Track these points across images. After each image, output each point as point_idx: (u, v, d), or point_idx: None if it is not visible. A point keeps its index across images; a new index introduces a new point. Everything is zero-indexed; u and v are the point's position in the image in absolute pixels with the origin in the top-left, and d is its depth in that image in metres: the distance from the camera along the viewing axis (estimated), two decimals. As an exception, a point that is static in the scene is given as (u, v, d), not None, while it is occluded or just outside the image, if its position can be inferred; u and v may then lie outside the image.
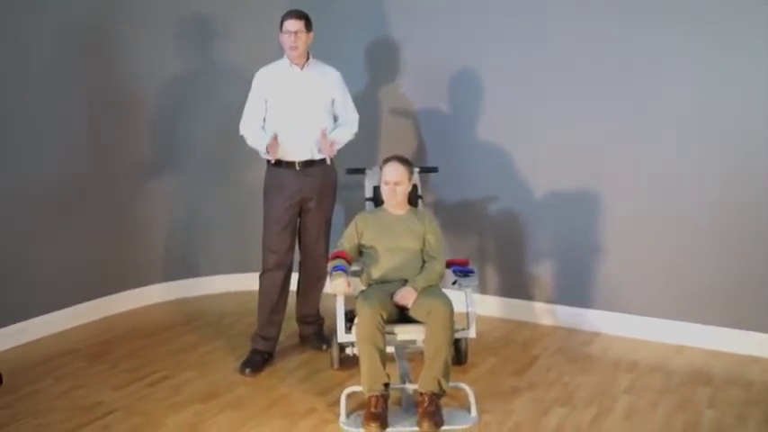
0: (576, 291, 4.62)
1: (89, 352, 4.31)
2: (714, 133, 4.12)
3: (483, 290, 4.91)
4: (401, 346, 3.85)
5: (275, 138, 3.94)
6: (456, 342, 4.01)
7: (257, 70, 4.15)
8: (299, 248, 4.30)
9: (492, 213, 4.83)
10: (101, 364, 4.13)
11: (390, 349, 3.83)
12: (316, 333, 4.40)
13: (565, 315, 4.66)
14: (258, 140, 4.07)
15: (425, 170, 4.56)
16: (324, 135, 4.00)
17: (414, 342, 3.64)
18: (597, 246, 4.51)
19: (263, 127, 4.11)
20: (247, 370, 3.99)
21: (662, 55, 4.19)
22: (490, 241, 4.89)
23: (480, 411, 3.49)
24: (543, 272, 4.72)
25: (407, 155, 4.70)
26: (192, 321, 4.86)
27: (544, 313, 4.73)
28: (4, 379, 3.84)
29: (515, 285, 4.82)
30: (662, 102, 4.23)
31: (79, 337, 4.54)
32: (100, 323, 4.80)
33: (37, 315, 4.51)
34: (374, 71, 5.09)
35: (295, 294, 4.39)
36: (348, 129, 4.21)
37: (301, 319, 4.42)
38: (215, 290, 5.40)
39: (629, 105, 4.31)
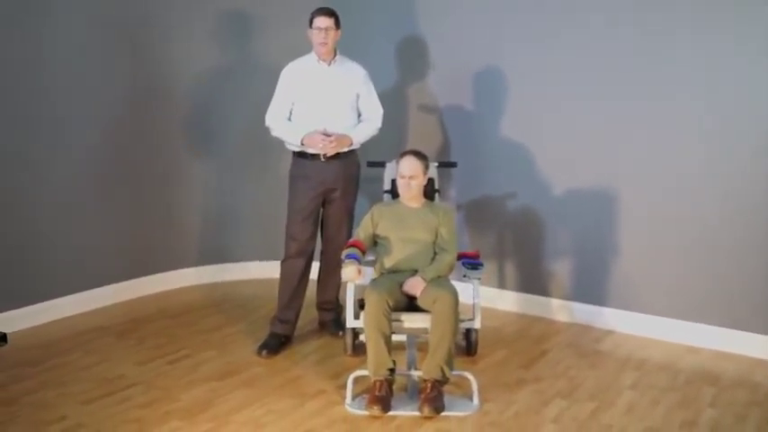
0: (591, 288, 4.68)
1: (118, 329, 4.53)
2: (732, 135, 4.15)
3: (501, 285, 5.00)
4: (413, 335, 3.96)
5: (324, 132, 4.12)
6: (467, 333, 4.13)
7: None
8: (321, 237, 4.45)
9: (512, 210, 4.91)
10: (128, 341, 4.34)
11: (402, 338, 3.97)
12: (334, 320, 4.54)
13: (580, 312, 4.72)
14: (288, 132, 4.22)
15: (444, 165, 4.67)
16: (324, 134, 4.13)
17: (425, 331, 3.74)
18: (613, 245, 4.56)
19: (290, 119, 4.26)
20: (264, 352, 4.16)
21: (678, 56, 4.23)
22: (509, 237, 4.97)
23: (483, 400, 3.60)
24: (560, 269, 4.79)
25: (431, 150, 4.85)
26: (220, 304, 5.05)
27: (560, 309, 4.80)
28: (32, 352, 4.12)
29: (533, 281, 4.90)
30: (681, 103, 4.26)
31: (110, 316, 4.77)
32: (131, 303, 5.02)
33: (71, 293, 4.74)
34: (402, 68, 5.22)
35: (316, 282, 4.55)
36: (370, 125, 4.34)
37: (320, 306, 4.58)
38: (244, 276, 5.57)
39: (647, 107, 4.35)
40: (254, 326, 4.60)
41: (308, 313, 4.56)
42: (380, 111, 4.38)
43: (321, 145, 4.11)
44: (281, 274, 4.35)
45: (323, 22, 4.13)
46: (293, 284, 4.30)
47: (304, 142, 4.16)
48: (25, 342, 4.27)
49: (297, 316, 4.36)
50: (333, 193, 4.29)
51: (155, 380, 3.82)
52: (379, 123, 4.37)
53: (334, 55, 4.25)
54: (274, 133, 4.30)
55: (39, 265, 4.56)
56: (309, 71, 4.23)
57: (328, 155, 4.17)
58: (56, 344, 4.27)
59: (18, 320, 4.43)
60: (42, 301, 4.59)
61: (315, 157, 4.21)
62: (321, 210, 4.36)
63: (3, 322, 4.22)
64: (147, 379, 3.82)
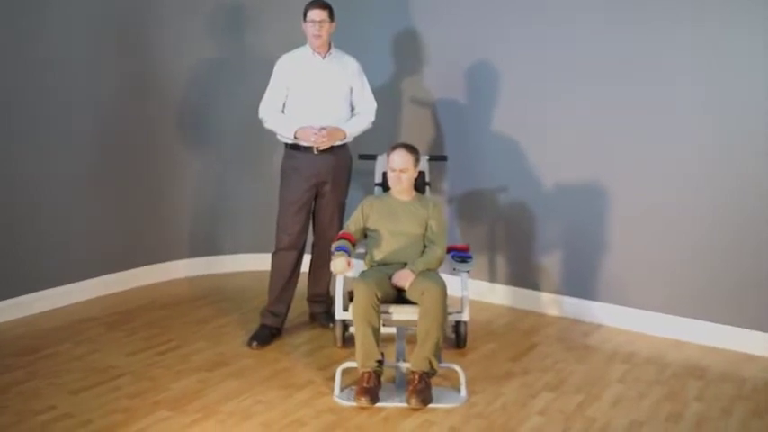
0: (581, 283, 4.70)
1: (109, 320, 4.54)
2: (721, 132, 4.16)
3: (492, 278, 5.02)
4: (403, 328, 3.98)
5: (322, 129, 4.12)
6: (456, 326, 4.15)
7: (282, 57, 4.33)
8: (313, 230, 4.46)
9: (503, 204, 4.93)
10: (119, 332, 4.36)
11: (393, 330, 3.99)
12: (324, 312, 4.56)
13: (569, 306, 4.74)
14: (281, 124, 4.23)
15: (435, 158, 4.69)
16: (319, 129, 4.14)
17: (414, 323, 3.73)
18: (603, 240, 4.58)
19: (283, 112, 4.27)
20: (254, 343, 4.17)
21: (671, 55, 4.24)
22: (500, 231, 4.99)
23: (470, 392, 3.62)
24: (550, 263, 4.81)
25: (423, 143, 4.88)
26: (211, 296, 5.07)
27: (550, 303, 4.82)
28: (23, 342, 4.15)
29: (523, 275, 4.92)
30: (671, 100, 4.27)
31: (102, 306, 4.78)
32: (123, 294, 5.04)
33: (63, 284, 4.76)
34: (396, 62, 5.23)
35: (307, 274, 4.56)
36: (363, 118, 4.35)
37: (312, 299, 4.60)
38: (237, 268, 5.60)
39: (638, 104, 4.37)
40: (245, 317, 4.62)
41: (299, 305, 4.58)
42: (374, 104, 4.40)
43: (314, 138, 4.12)
44: (273, 266, 4.36)
45: (317, 14, 4.14)
46: (284, 277, 4.32)
47: (297, 135, 4.17)
48: (16, 332, 4.30)
49: (288, 308, 4.38)
50: (325, 185, 4.30)
51: (144, 370, 3.83)
52: (372, 117, 4.38)
53: (329, 48, 4.26)
54: (267, 125, 4.30)
55: (30, 255, 4.57)
56: (304, 64, 4.24)
57: (321, 148, 4.18)
58: (46, 334, 4.28)
59: (9, 310, 4.45)
60: (34, 291, 4.60)
61: (307, 149, 4.22)
62: (313, 202, 4.38)
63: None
64: (136, 369, 3.84)
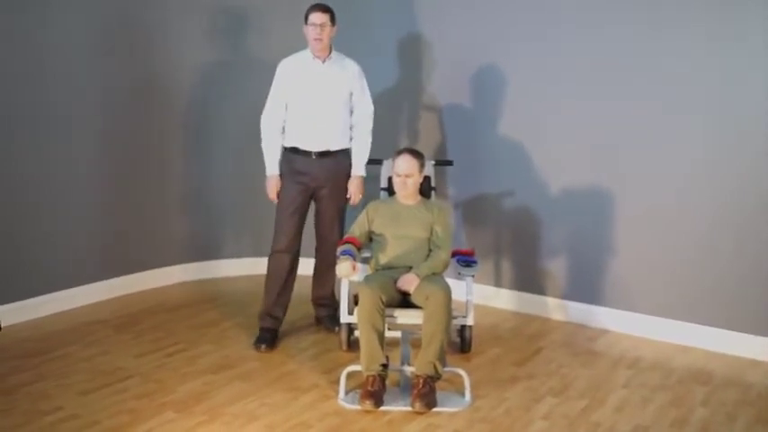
0: (586, 288, 4.70)
1: (117, 323, 4.57)
2: (725, 135, 4.17)
3: (498, 283, 5.03)
4: (408, 331, 4.00)
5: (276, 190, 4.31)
6: (461, 330, 4.16)
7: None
8: (315, 235, 4.48)
9: (509, 209, 4.94)
10: (126, 334, 4.39)
11: (397, 334, 4.01)
12: (330, 315, 4.57)
13: (575, 311, 4.75)
14: (267, 155, 4.33)
15: (441, 163, 4.71)
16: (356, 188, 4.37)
17: (419, 327, 3.75)
18: (609, 244, 4.59)
19: (284, 117, 4.30)
20: (263, 346, 4.19)
21: (677, 57, 4.25)
22: (506, 235, 5.00)
23: (474, 397, 3.63)
24: (556, 268, 4.82)
25: (429, 148, 4.90)
26: (216, 299, 5.10)
27: (555, 308, 4.83)
28: (31, 344, 4.19)
29: (529, 280, 4.93)
30: (676, 104, 4.29)
31: (109, 309, 4.81)
32: (130, 297, 5.06)
33: (71, 287, 4.79)
34: (401, 66, 5.25)
35: (311, 278, 4.58)
36: (362, 137, 4.37)
37: (316, 302, 4.62)
38: (240, 272, 5.61)
39: (644, 107, 4.38)
40: (251, 321, 4.61)
41: (305, 308, 4.63)
42: (371, 108, 4.40)
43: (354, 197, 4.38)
44: (269, 268, 4.36)
45: (318, 17, 4.16)
46: (281, 279, 4.32)
47: (267, 178, 4.31)
48: (23, 335, 4.32)
49: (284, 312, 4.38)
50: (321, 190, 4.33)
51: (151, 372, 3.86)
52: (370, 126, 4.39)
53: (330, 52, 4.28)
54: (262, 144, 4.34)
55: (33, 258, 4.58)
56: (304, 69, 4.26)
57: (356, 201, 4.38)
58: (56, 336, 4.31)
59: (15, 313, 4.47)
60: (39, 294, 4.62)
61: (306, 153, 4.26)
62: (312, 206, 4.40)
63: (2, 314, 4.27)
64: (143, 371, 3.86)
